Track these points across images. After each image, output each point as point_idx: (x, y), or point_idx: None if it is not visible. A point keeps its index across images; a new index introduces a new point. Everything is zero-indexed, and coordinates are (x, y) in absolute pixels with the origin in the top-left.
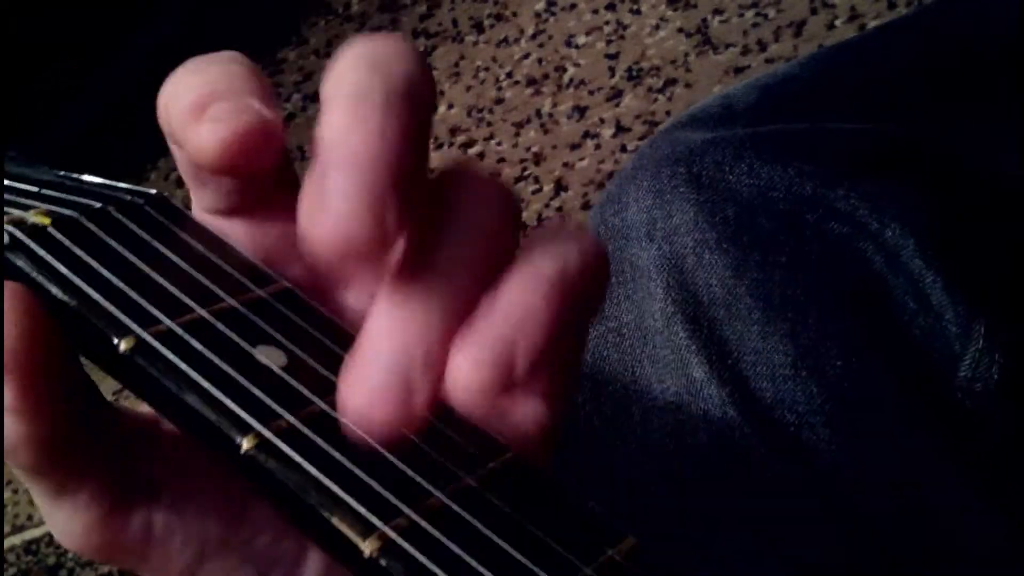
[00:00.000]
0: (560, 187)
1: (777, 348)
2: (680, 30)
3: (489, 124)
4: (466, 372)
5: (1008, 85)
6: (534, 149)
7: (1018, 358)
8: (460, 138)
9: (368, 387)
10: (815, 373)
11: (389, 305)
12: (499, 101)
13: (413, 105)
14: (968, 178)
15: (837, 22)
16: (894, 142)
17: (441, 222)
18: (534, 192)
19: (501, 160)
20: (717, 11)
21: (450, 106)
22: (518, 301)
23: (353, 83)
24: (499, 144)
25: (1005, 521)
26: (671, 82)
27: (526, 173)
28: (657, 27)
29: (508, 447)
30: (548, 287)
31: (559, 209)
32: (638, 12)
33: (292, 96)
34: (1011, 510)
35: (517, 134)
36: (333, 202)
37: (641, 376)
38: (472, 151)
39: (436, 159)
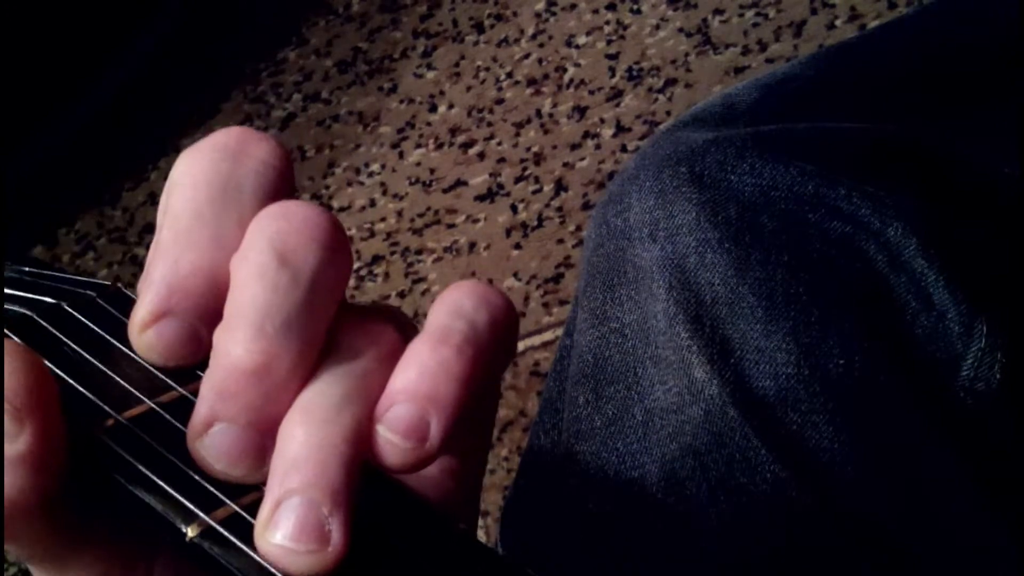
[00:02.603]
0: (560, 187)
1: (780, 347)
2: (680, 30)
3: (489, 124)
4: (388, 453)
5: (1008, 85)
6: (534, 149)
7: (1020, 358)
8: (460, 138)
9: (282, 538)
10: (818, 372)
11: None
12: (499, 101)
13: None
14: (969, 178)
15: (837, 22)
16: (895, 141)
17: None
18: (534, 192)
19: (501, 160)
20: (717, 11)
21: (450, 106)
22: (428, 367)
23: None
24: (499, 144)
25: (1007, 521)
26: (671, 82)
27: (526, 173)
28: (657, 27)
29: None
30: (456, 348)
31: (559, 209)
32: (638, 12)
33: (292, 96)
34: (1013, 510)
35: (517, 134)
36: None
37: (643, 377)
38: (472, 151)
39: (436, 159)
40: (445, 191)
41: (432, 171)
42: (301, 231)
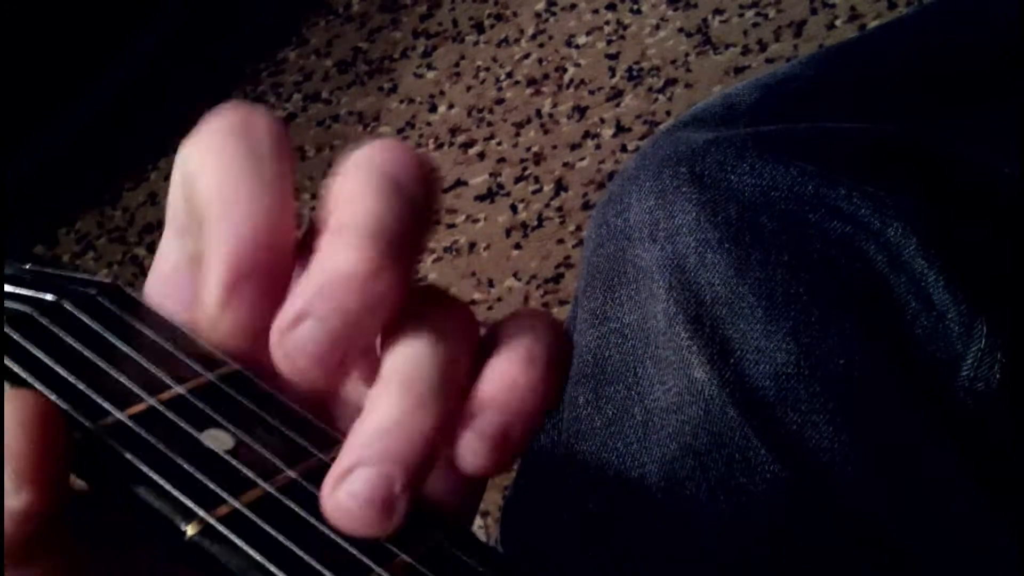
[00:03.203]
0: (560, 187)
1: (780, 347)
2: (680, 30)
3: (489, 124)
4: (476, 456)
5: (1008, 85)
6: (534, 149)
7: (1020, 358)
8: (460, 138)
9: (356, 501)
10: (818, 372)
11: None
12: (499, 101)
13: None
14: (969, 177)
15: (837, 22)
16: (895, 141)
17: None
18: (534, 192)
19: (501, 160)
20: (717, 11)
21: (450, 106)
22: (516, 380)
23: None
24: (499, 144)
25: (1007, 521)
26: (671, 82)
27: (526, 173)
28: (657, 27)
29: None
30: (542, 365)
31: (559, 209)
32: (638, 12)
33: (292, 96)
34: (1013, 510)
35: (517, 134)
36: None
37: (643, 377)
38: (472, 151)
39: (436, 159)
40: (445, 191)
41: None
42: (410, 163)
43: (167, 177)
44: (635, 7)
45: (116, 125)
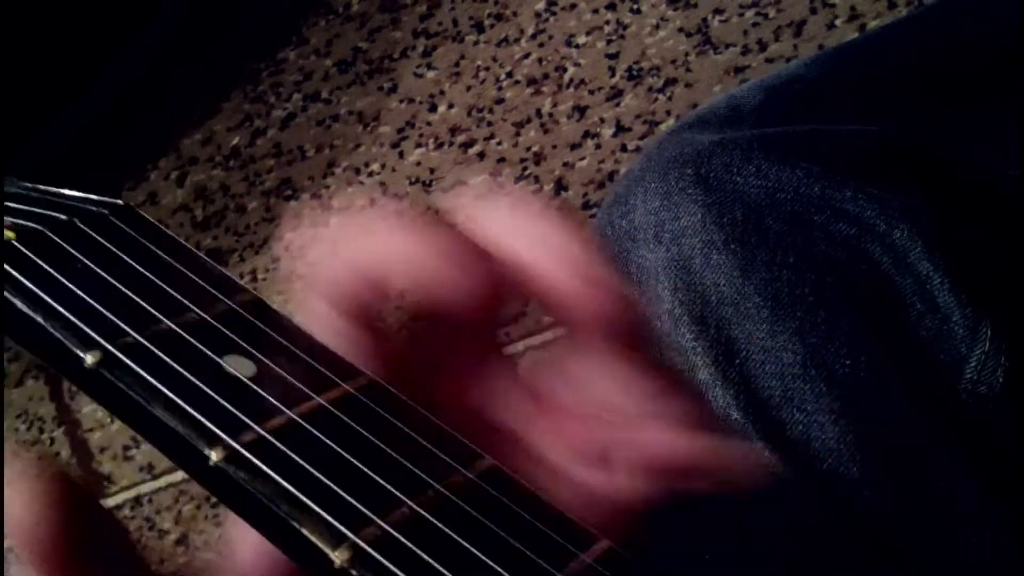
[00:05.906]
0: (560, 187)
1: (786, 347)
2: (680, 30)
3: (489, 124)
4: None
5: (1008, 85)
6: (534, 149)
7: (1022, 361)
8: (460, 138)
9: None
10: (824, 372)
11: None
12: (499, 101)
13: None
14: (969, 177)
15: (837, 22)
16: (901, 143)
17: None
18: (534, 192)
19: (501, 160)
20: (717, 11)
21: (450, 106)
22: None
23: None
24: (499, 144)
25: (1010, 523)
26: (671, 82)
27: (526, 173)
28: (657, 27)
29: (483, 455)
30: None
31: (559, 209)
32: (638, 12)
33: (292, 96)
34: (1016, 512)
35: (517, 134)
36: None
37: None
38: (472, 151)
39: (436, 159)
40: (445, 191)
41: (432, 171)
42: None
43: (167, 177)
44: (635, 7)
45: (116, 125)
